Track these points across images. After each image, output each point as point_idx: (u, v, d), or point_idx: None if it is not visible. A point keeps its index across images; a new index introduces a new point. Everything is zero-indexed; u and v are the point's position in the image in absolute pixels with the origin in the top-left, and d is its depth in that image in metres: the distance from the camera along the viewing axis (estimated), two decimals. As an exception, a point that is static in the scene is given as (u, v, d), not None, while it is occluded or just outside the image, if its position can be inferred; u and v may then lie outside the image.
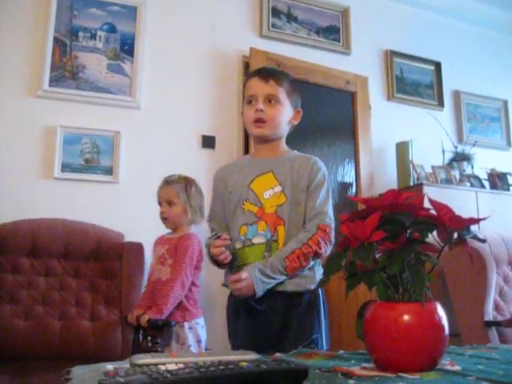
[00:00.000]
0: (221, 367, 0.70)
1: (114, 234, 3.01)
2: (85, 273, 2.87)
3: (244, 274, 1.64)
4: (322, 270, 1.73)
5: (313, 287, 1.71)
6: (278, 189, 1.74)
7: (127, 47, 3.40)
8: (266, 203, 1.74)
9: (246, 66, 3.67)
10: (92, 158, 3.20)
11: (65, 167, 3.13)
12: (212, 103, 3.60)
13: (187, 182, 2.76)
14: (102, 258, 2.92)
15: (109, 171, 3.22)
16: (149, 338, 2.55)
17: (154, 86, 3.45)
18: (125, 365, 0.84)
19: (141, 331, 2.68)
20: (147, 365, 0.78)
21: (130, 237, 3.05)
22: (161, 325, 2.49)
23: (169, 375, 0.68)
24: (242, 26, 3.84)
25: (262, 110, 1.77)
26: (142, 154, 3.34)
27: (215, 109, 3.60)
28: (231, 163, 2.06)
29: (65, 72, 3.23)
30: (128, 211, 3.21)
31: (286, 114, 1.82)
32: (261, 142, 1.87)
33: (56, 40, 3.23)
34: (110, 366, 0.83)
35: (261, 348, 1.59)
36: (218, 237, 1.73)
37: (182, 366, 0.74)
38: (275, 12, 3.94)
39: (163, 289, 2.57)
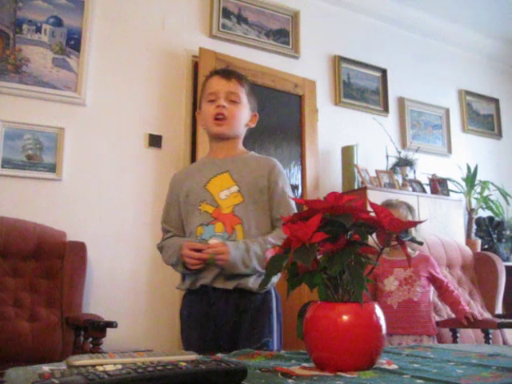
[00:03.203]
0: (159, 367, 0.69)
1: (56, 233, 2.93)
2: (24, 272, 2.78)
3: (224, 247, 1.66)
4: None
5: (265, 288, 1.70)
6: (235, 189, 1.75)
7: (73, 42, 3.33)
8: (223, 203, 1.74)
9: (195, 65, 3.65)
10: (34, 155, 3.12)
11: (5, 163, 3.03)
12: (160, 102, 3.57)
13: (408, 204, 3.04)
14: (42, 257, 2.84)
15: (52, 168, 3.14)
16: (90, 339, 2.51)
17: (101, 82, 3.38)
18: (62, 366, 0.83)
19: (82, 332, 2.63)
20: (84, 366, 0.77)
21: (72, 236, 2.98)
22: (102, 325, 2.45)
23: (105, 376, 0.66)
24: (192, 26, 3.81)
25: (224, 106, 1.78)
26: (86, 152, 3.27)
27: (163, 108, 3.57)
28: (189, 166, 2.09)
29: (7, 65, 3.13)
30: (71, 210, 3.14)
31: (245, 115, 1.84)
32: (217, 141, 1.86)
33: (-2, 32, 3.14)
34: (45, 368, 0.81)
35: (210, 347, 1.59)
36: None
37: (120, 366, 0.73)
38: (226, 13, 3.94)
39: (419, 308, 2.78)
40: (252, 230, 1.72)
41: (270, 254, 1.58)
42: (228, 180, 1.77)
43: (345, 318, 0.88)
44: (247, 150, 1.92)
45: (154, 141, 3.48)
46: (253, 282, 1.68)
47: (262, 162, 1.83)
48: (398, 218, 2.72)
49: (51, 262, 2.86)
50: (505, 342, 3.23)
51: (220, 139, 1.85)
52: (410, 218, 2.90)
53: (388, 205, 2.96)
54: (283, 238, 1.60)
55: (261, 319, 1.69)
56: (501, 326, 2.97)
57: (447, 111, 5.06)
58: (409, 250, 2.89)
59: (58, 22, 3.32)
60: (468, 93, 5.27)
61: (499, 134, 5.45)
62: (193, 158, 3.51)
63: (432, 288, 2.90)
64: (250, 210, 1.73)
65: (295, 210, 1.75)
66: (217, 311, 1.69)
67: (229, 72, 1.87)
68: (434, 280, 2.87)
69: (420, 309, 2.79)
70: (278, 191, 1.78)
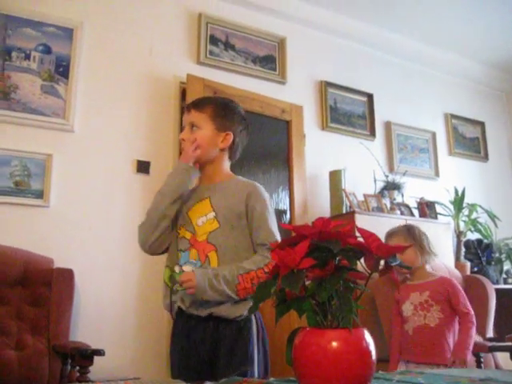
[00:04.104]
0: (147, 397, 0.68)
1: (43, 260, 2.90)
2: (10, 300, 2.74)
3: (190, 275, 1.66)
4: None
5: (240, 315, 1.68)
6: (211, 215, 1.76)
7: (62, 69, 3.34)
8: (199, 230, 1.76)
9: (183, 92, 3.67)
10: (22, 181, 3.10)
11: (-7, 190, 3.02)
12: (148, 128, 3.58)
13: (408, 227, 2.99)
14: (29, 285, 2.81)
15: (39, 195, 3.13)
16: (77, 367, 2.47)
17: (89, 109, 3.39)
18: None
19: (69, 360, 2.59)
20: (71, 396, 0.76)
21: (60, 263, 2.96)
22: (89, 353, 2.41)
23: (92, 406, 0.66)
24: (179, 52, 3.85)
25: (183, 139, 1.85)
26: (74, 178, 3.26)
27: (151, 134, 3.58)
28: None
29: (-4, 92, 3.13)
30: (59, 236, 3.12)
31: (208, 138, 1.83)
32: (200, 170, 1.90)
33: (-13, 59, 3.14)
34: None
35: (193, 375, 1.57)
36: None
37: (107, 396, 0.72)
38: (213, 39, 3.98)
39: (435, 335, 2.66)
40: (228, 256, 1.71)
41: (242, 280, 1.61)
42: (207, 206, 1.79)
43: (334, 344, 0.87)
44: (235, 175, 1.93)
45: (143, 167, 3.48)
46: (226, 310, 1.67)
47: (241, 187, 1.81)
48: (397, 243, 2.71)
49: (38, 289, 2.82)
50: (497, 366, 3.21)
51: (200, 168, 1.88)
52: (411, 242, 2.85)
53: (391, 233, 2.96)
54: (260, 264, 1.63)
55: (239, 348, 1.66)
56: (492, 349, 2.97)
57: (434, 135, 5.10)
58: (429, 270, 2.87)
59: (47, 50, 3.33)
60: (454, 116, 5.33)
61: (486, 157, 5.50)
62: (181, 184, 3.50)
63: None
64: (226, 236, 1.73)
65: (275, 235, 1.74)
66: (195, 339, 1.70)
67: (190, 104, 1.91)
68: (454, 308, 2.71)
69: (437, 336, 2.66)
70: (256, 216, 1.75)
